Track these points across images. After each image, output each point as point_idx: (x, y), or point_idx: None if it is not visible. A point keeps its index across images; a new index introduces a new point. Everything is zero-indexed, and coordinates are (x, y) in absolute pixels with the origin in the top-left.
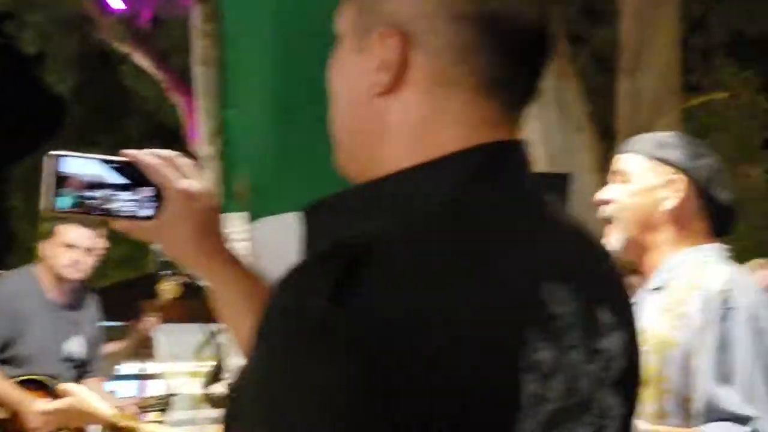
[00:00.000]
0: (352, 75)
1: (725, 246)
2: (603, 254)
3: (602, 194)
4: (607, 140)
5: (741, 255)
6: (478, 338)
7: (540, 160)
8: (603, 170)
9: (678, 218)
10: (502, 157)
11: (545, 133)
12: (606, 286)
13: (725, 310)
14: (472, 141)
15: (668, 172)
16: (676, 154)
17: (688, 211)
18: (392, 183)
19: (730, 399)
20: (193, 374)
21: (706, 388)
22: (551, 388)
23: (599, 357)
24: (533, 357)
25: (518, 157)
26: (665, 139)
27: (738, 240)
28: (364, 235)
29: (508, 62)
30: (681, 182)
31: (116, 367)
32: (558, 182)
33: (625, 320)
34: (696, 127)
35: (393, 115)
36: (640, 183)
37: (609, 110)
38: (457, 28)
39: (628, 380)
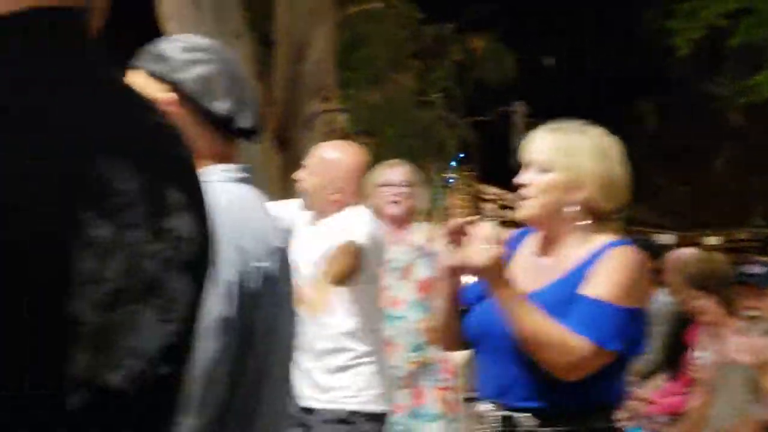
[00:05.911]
0: None
1: (237, 166)
2: (173, 134)
3: None
4: (266, 48)
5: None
6: (19, 206)
7: None
8: (261, 77)
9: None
10: (57, 22)
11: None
12: (174, 164)
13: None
14: (22, 3)
15: (160, 88)
16: (162, 67)
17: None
18: None
19: None
20: None
21: None
22: (109, 267)
23: (166, 237)
24: (88, 233)
25: (76, 24)
26: (161, 49)
27: (387, 146)
28: None
29: None
30: (170, 97)
31: None
32: None
33: (196, 201)
34: (353, 36)
35: None
36: None
37: (268, 17)
38: None
39: (198, 263)
